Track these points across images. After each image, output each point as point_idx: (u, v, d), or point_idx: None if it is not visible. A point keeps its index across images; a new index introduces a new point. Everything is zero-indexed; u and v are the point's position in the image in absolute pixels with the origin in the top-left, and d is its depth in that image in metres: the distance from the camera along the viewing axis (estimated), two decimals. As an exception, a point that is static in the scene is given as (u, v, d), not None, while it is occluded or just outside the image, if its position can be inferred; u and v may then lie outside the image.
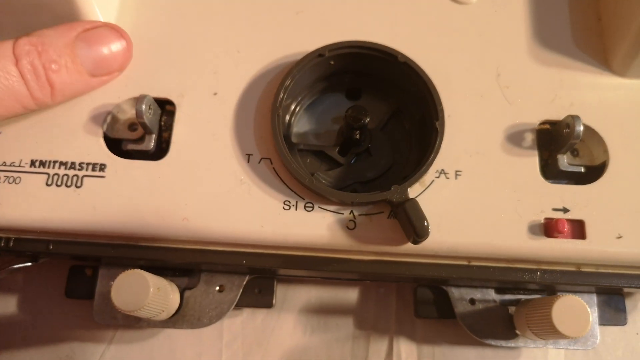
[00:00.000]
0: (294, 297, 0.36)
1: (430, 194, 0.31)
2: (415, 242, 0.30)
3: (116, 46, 0.32)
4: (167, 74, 0.33)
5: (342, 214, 0.31)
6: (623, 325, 0.35)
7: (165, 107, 0.34)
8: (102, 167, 0.32)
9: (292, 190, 0.31)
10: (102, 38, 0.31)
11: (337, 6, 0.36)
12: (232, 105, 0.33)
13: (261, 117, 0.33)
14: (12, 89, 0.28)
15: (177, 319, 0.33)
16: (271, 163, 0.32)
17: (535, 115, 0.33)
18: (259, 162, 0.32)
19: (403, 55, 0.32)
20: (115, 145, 0.33)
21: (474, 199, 0.31)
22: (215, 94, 0.33)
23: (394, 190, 0.30)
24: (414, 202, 0.29)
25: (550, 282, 0.32)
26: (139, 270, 0.29)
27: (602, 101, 0.33)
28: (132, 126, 0.33)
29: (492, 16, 0.35)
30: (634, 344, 0.36)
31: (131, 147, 0.33)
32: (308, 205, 0.31)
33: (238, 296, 0.34)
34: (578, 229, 0.31)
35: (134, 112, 0.32)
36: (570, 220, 0.31)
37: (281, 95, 0.32)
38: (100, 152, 0.32)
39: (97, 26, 0.31)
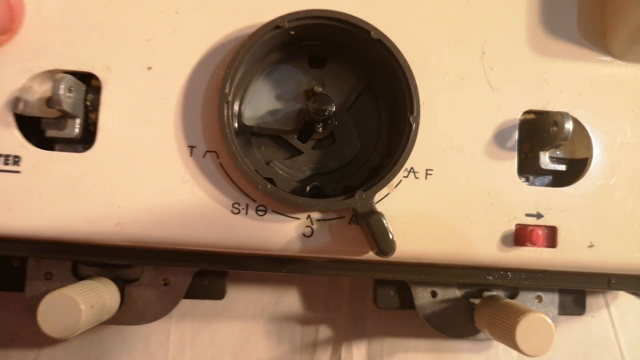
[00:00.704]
0: (245, 287, 0.34)
1: (397, 195, 0.28)
2: (379, 255, 0.27)
3: None
4: (88, 41, 0.27)
5: (299, 219, 0.28)
6: (581, 315, 0.35)
7: (91, 82, 0.28)
8: (16, 160, 0.27)
9: (242, 190, 0.27)
10: None
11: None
12: (170, 83, 0.28)
13: (207, 100, 0.28)
14: None
15: (120, 315, 0.31)
16: (218, 157, 0.28)
17: (520, 103, 0.29)
18: (204, 156, 0.28)
19: (377, 31, 0.27)
20: (32, 129, 0.28)
21: (444, 202, 0.28)
22: (149, 68, 0.28)
23: (358, 197, 0.27)
24: (378, 218, 0.26)
25: (516, 284, 0.30)
26: (67, 291, 0.25)
27: (595, 89, 0.30)
28: (50, 102, 0.28)
29: (483, -21, 0.30)
30: (589, 326, 0.36)
31: (52, 133, 0.28)
32: (260, 209, 0.28)
33: (185, 288, 0.31)
34: (550, 237, 0.29)
35: (50, 86, 0.26)
36: (542, 227, 0.29)
37: (230, 78, 0.27)
38: (12, 140, 0.27)
39: None
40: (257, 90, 0.30)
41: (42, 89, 0.28)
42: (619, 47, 0.29)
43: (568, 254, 0.29)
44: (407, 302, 0.33)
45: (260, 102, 0.30)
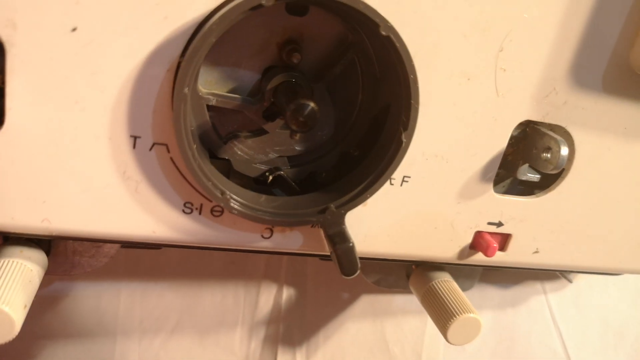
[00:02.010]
0: (188, 253, 0.32)
1: (369, 202, 0.26)
2: (341, 273, 0.26)
3: None
4: (-23, -19, 0.18)
5: (258, 221, 0.25)
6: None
7: (-14, 35, 0.20)
8: None
9: (195, 188, 0.24)
10: None
11: None
12: (104, 52, 0.20)
13: (159, 79, 0.21)
14: None
15: (51, 267, 0.28)
16: (168, 151, 0.23)
17: (520, 112, 0.26)
18: (150, 149, 0.22)
19: (387, 25, 0.21)
20: None
21: (414, 210, 0.27)
22: (74, 29, 0.20)
23: (328, 213, 0.24)
24: (348, 248, 0.24)
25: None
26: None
27: (597, 102, 0.27)
28: None
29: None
30: (524, 276, 0.39)
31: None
32: (216, 209, 0.24)
33: (117, 247, 0.29)
34: (502, 242, 0.29)
35: None
36: (497, 235, 0.29)
37: (191, 69, 0.20)
38: None
39: None
40: (218, 45, 0.23)
41: None
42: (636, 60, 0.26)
43: (514, 258, 0.30)
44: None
45: (221, 61, 0.24)
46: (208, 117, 0.24)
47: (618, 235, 0.31)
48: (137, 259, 0.31)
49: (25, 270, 0.24)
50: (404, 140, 0.23)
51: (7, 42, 0.19)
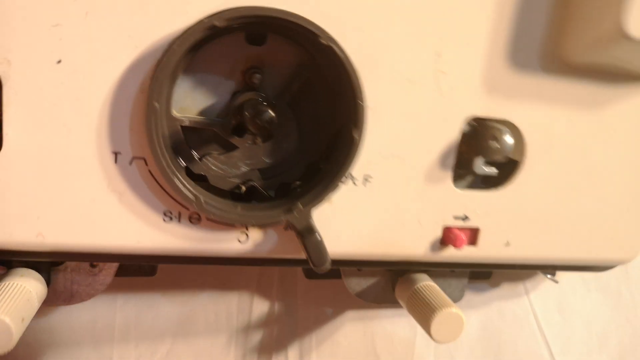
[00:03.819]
0: (182, 273, 0.34)
1: (334, 201, 0.28)
2: (312, 268, 0.28)
3: None
4: (-21, 27, 0.22)
5: (233, 225, 0.27)
6: (488, 278, 0.38)
7: (-13, 74, 0.24)
8: None
9: (173, 198, 0.26)
10: None
11: None
12: (86, 80, 0.24)
13: (131, 99, 0.24)
14: None
15: (49, 297, 0.30)
16: (146, 164, 0.25)
17: (466, 109, 0.29)
18: (130, 164, 0.25)
19: (327, 36, 0.24)
20: None
21: (379, 209, 0.29)
22: (59, 61, 0.24)
23: (296, 212, 0.26)
24: (315, 239, 0.26)
25: (432, 271, 0.33)
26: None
27: (539, 95, 0.29)
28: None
29: (448, -32, 0.26)
30: (517, 284, 0.39)
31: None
32: (194, 217, 0.27)
33: (115, 268, 0.31)
34: (472, 237, 0.31)
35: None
36: (466, 229, 0.30)
37: (158, 79, 0.23)
38: None
39: None
40: (187, 72, 0.27)
41: None
42: (569, 61, 0.29)
43: (486, 252, 0.31)
44: (333, 272, 0.35)
45: (191, 87, 0.27)
46: (183, 138, 0.27)
47: (585, 223, 0.32)
48: (130, 283, 0.33)
49: (24, 291, 0.27)
50: (355, 136, 0.26)
51: (4, 77, 0.23)
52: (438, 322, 0.30)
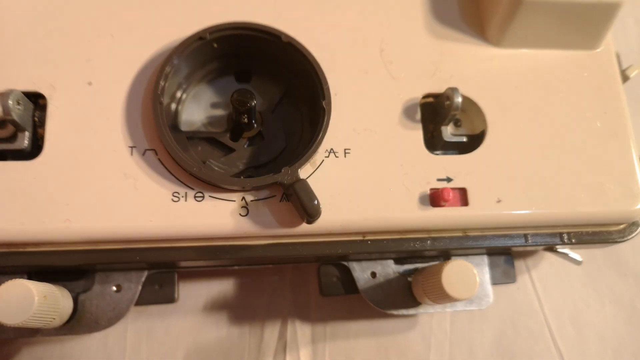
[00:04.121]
0: (195, 290, 0.36)
1: (320, 173, 0.32)
2: (308, 222, 0.30)
3: None
4: (35, 64, 0.31)
5: (234, 200, 0.30)
6: (513, 282, 0.37)
7: (38, 102, 0.31)
8: (-30, 171, 0.29)
9: (180, 180, 0.30)
10: None
11: (217, -13, 0.34)
12: (109, 95, 0.31)
13: (142, 106, 0.31)
14: None
15: (74, 325, 0.32)
16: (156, 154, 0.31)
17: (419, 89, 0.34)
18: (143, 154, 0.31)
19: (287, 35, 0.32)
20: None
21: (364, 176, 0.32)
22: (89, 83, 0.31)
23: (284, 172, 0.30)
24: (303, 182, 0.29)
25: (441, 248, 0.33)
26: (21, 279, 0.27)
27: (480, 71, 0.35)
28: (1, 123, 0.31)
29: (374, -8, 0.36)
30: (515, 296, 0.39)
31: (3, 147, 0.31)
32: (198, 195, 0.30)
33: (137, 294, 0.33)
34: (462, 197, 0.32)
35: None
36: (454, 189, 0.32)
37: (162, 83, 0.31)
38: (-34, 155, 0.29)
39: None
40: (192, 100, 0.34)
41: (-7, 114, 0.31)
42: (494, 36, 0.35)
43: (480, 210, 0.32)
44: (349, 287, 0.35)
45: (195, 111, 0.34)
46: (188, 145, 0.33)
47: (566, 177, 0.33)
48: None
49: (52, 288, 0.29)
50: (325, 107, 0.31)
51: (49, 98, 0.31)
52: (448, 277, 0.30)
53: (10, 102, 0.28)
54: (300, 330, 0.35)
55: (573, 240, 0.34)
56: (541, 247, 0.35)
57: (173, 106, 0.33)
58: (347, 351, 0.35)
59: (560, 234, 0.34)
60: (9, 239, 0.29)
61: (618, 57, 0.40)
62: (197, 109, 0.34)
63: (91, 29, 0.32)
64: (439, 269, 0.30)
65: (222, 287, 0.36)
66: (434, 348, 0.36)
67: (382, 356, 0.35)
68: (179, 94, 0.34)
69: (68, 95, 0.31)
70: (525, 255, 0.40)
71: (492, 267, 0.36)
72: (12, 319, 0.26)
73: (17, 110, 0.29)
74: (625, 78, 0.38)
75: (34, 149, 0.31)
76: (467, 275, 0.30)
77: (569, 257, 0.35)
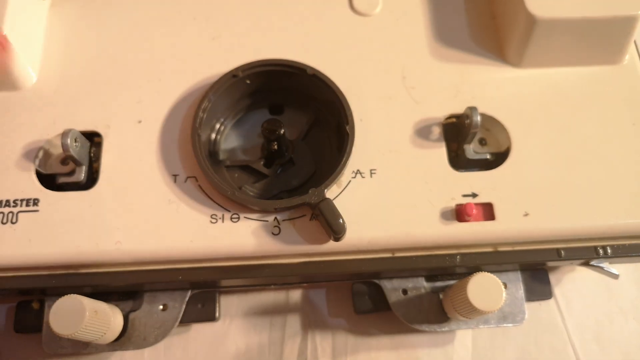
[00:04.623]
0: (236, 307, 0.38)
1: (347, 194, 0.33)
2: (335, 239, 0.31)
3: None
4: (93, 107, 0.35)
5: (267, 221, 0.33)
6: (549, 299, 0.37)
7: (94, 139, 0.35)
8: (36, 201, 0.33)
9: (217, 204, 0.33)
10: None
11: (249, 29, 0.38)
12: (156, 131, 0.35)
13: (184, 139, 0.34)
14: None
15: (124, 341, 0.34)
16: (197, 181, 0.34)
17: (441, 110, 0.35)
18: (185, 181, 0.34)
19: (311, 68, 0.35)
20: (49, 179, 0.35)
21: (389, 194, 0.33)
22: (139, 122, 0.35)
23: (311, 193, 0.32)
24: (328, 201, 0.31)
25: (471, 264, 0.33)
26: (76, 295, 0.30)
27: (501, 91, 0.36)
28: (64, 161, 0.35)
29: (394, 24, 0.38)
30: (537, 313, 0.38)
31: (63, 180, 0.34)
32: (234, 216, 0.33)
33: (181, 312, 0.35)
34: (488, 211, 0.33)
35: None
36: (479, 204, 0.33)
37: (200, 116, 0.34)
38: (33, 187, 0.33)
39: None
40: (230, 131, 0.37)
41: (57, 151, 0.35)
42: (513, 57, 0.36)
43: (507, 224, 0.33)
44: (381, 304, 0.36)
45: (233, 141, 0.37)
46: (225, 173, 0.36)
47: (592, 189, 0.33)
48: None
49: (104, 305, 0.32)
50: (348, 131, 0.33)
51: (105, 136, 0.35)
52: (474, 287, 0.30)
53: (68, 140, 0.32)
54: (321, 347, 0.36)
55: (609, 253, 0.34)
56: (577, 262, 0.35)
57: (213, 136, 0.36)
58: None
59: (596, 248, 0.34)
60: (66, 261, 0.32)
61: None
62: (234, 139, 0.37)
63: (142, 75, 0.36)
64: (466, 282, 0.31)
65: (241, 302, 0.37)
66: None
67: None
68: (218, 126, 0.37)
69: (121, 132, 0.35)
70: (555, 269, 0.39)
71: (526, 282, 0.36)
72: (65, 330, 0.29)
73: (75, 147, 0.33)
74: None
75: (90, 181, 0.35)
76: (493, 286, 0.30)
77: (605, 271, 0.34)
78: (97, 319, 0.31)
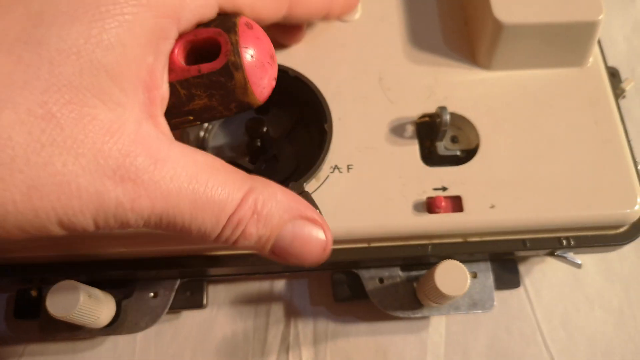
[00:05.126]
0: (223, 296, 0.40)
1: (326, 188, 0.36)
2: (312, 229, 0.34)
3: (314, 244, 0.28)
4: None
5: (250, 212, 0.35)
6: (517, 287, 0.39)
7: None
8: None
9: (204, 197, 0.35)
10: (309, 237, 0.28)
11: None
12: (148, 129, 0.37)
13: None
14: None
15: (116, 326, 0.37)
16: (185, 175, 0.36)
17: (415, 110, 0.38)
18: (174, 176, 0.36)
19: (293, 70, 0.37)
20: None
21: (365, 188, 0.36)
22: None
23: (291, 187, 0.34)
24: (306, 194, 0.33)
25: (442, 254, 0.36)
26: (71, 280, 0.32)
27: (472, 92, 0.38)
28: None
29: (373, 29, 0.40)
30: (508, 301, 0.40)
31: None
32: (219, 208, 0.35)
33: (171, 300, 0.37)
34: (456, 204, 0.35)
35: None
36: (448, 197, 0.35)
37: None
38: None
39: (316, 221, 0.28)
40: (217, 131, 0.40)
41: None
42: (483, 60, 0.39)
43: (474, 216, 0.35)
44: (358, 293, 0.38)
45: (220, 140, 0.40)
46: (213, 169, 0.38)
47: (556, 182, 0.35)
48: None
49: (97, 291, 0.35)
50: (327, 129, 0.36)
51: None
52: (441, 273, 0.32)
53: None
54: (302, 333, 0.38)
55: (572, 244, 0.36)
56: (542, 252, 0.37)
57: (202, 134, 0.39)
58: (347, 352, 0.38)
59: (560, 238, 0.36)
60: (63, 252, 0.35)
61: (617, 72, 0.43)
62: (222, 137, 0.40)
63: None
64: (434, 269, 0.33)
65: (228, 291, 0.40)
66: (430, 350, 0.38)
67: (380, 357, 0.38)
68: (206, 124, 0.39)
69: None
70: (524, 260, 0.41)
71: (495, 272, 0.38)
72: (61, 312, 0.31)
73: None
74: (621, 91, 0.41)
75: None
76: (459, 273, 0.33)
77: (569, 260, 0.37)
78: (91, 302, 0.33)
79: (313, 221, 0.28)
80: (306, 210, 0.28)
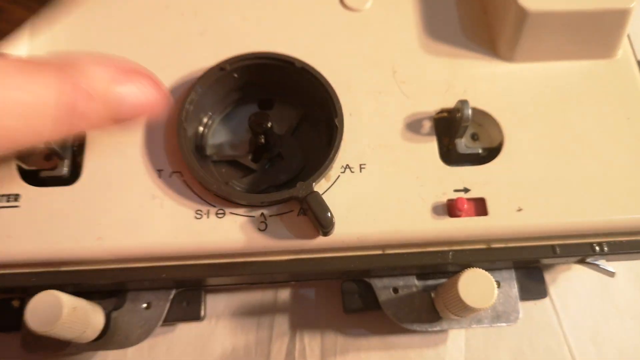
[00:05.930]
0: (223, 307, 0.37)
1: (336, 188, 0.32)
2: (324, 234, 0.31)
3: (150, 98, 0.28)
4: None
5: (253, 216, 0.32)
6: (544, 298, 0.36)
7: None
8: (16, 197, 0.32)
9: (202, 199, 0.32)
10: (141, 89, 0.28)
11: (238, 25, 0.37)
12: (141, 125, 0.34)
13: (169, 133, 0.34)
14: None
15: (105, 340, 0.33)
16: (182, 175, 0.33)
17: (432, 105, 0.35)
18: (170, 176, 0.33)
19: (300, 61, 0.34)
20: (31, 174, 0.34)
21: (380, 189, 0.32)
22: (123, 116, 0.34)
23: (299, 187, 0.31)
24: (316, 195, 0.30)
25: (463, 261, 0.33)
26: (53, 291, 0.29)
27: (494, 86, 0.35)
28: (48, 156, 0.34)
29: (384, 19, 0.37)
30: (532, 313, 0.37)
31: (46, 174, 0.34)
32: (219, 212, 0.32)
33: (165, 311, 0.34)
34: (480, 207, 0.32)
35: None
36: (471, 199, 0.32)
37: (186, 108, 0.33)
38: (13, 183, 0.33)
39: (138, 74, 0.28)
40: (218, 126, 0.36)
41: (40, 147, 0.34)
42: (505, 51, 0.36)
43: (499, 220, 0.32)
44: (370, 303, 0.35)
45: (220, 137, 0.36)
46: (212, 167, 0.35)
47: (587, 184, 0.32)
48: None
49: (83, 302, 0.31)
50: (337, 124, 0.33)
51: (89, 142, 0.34)
52: (465, 283, 0.29)
53: (51, 132, 0.31)
54: (309, 347, 0.35)
55: (606, 250, 0.33)
56: (572, 259, 0.34)
57: (201, 130, 0.36)
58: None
59: (592, 244, 0.33)
60: (47, 258, 0.31)
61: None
62: (223, 134, 0.37)
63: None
64: (457, 279, 0.30)
65: (228, 301, 0.37)
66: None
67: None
68: (205, 120, 0.36)
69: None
70: (549, 268, 0.38)
71: (520, 281, 0.35)
72: (42, 327, 0.28)
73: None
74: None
75: (72, 176, 0.34)
76: (485, 283, 0.29)
77: (601, 268, 0.34)
78: (76, 315, 0.30)
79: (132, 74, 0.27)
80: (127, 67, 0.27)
